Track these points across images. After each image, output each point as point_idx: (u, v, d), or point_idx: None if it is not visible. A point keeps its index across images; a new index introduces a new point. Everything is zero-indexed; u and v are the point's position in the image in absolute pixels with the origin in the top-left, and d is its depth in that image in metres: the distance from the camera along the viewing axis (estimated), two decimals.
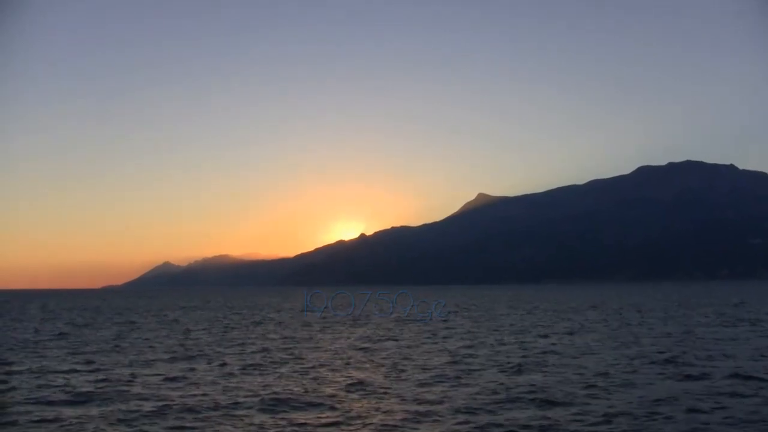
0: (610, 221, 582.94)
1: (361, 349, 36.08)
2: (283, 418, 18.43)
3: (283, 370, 27.92)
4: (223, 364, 29.83)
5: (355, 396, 21.50)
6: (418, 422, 17.72)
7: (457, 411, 18.91)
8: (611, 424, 17.19)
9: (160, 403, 20.47)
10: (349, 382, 24.17)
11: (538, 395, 20.95)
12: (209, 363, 30.56)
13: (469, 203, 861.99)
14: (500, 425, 17.18)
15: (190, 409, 19.55)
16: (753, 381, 23.47)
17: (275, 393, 22.07)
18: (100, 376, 26.40)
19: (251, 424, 17.78)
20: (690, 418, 17.83)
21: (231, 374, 26.75)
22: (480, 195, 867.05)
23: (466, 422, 17.62)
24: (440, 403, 20.17)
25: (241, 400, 21.03)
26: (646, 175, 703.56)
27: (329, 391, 22.46)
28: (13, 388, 23.78)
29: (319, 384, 23.98)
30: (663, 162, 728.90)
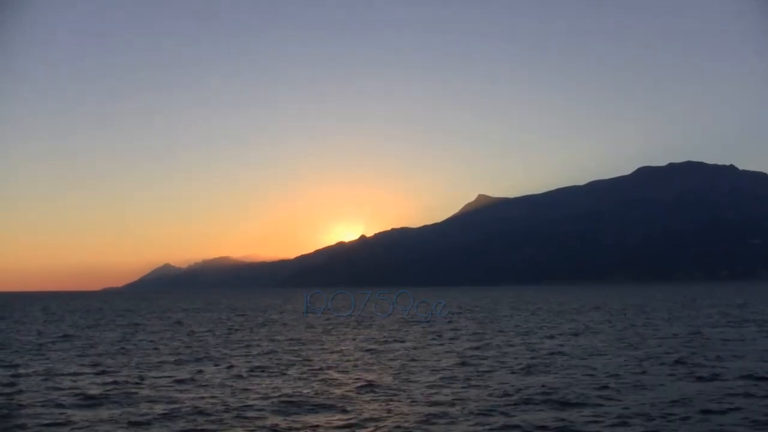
0: (610, 222, 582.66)
1: (367, 350, 35.94)
2: (296, 421, 18.30)
3: (292, 372, 27.79)
4: (231, 366, 29.71)
5: (366, 398, 21.38)
6: (433, 424, 17.59)
7: (471, 413, 18.79)
8: (628, 426, 17.07)
9: (171, 406, 20.35)
10: (359, 384, 24.04)
11: (552, 396, 20.85)
12: (216, 365, 30.44)
13: (469, 204, 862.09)
14: (517, 426, 17.07)
15: (202, 412, 19.43)
16: (766, 382, 23.34)
17: (286, 395, 21.95)
18: (108, 379, 26.27)
19: (265, 427, 17.65)
20: (705, 420, 17.71)
21: (239, 376, 26.62)
22: (480, 196, 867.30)
23: (482, 424, 17.50)
24: (452, 404, 20.04)
25: (252, 402, 20.91)
26: (646, 175, 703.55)
27: (340, 393, 22.33)
28: (21, 391, 23.66)
29: (329, 386, 23.84)
30: (663, 162, 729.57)
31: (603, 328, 49.86)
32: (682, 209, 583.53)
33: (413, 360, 31.07)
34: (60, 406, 20.99)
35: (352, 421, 18.11)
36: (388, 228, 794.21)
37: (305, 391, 22.82)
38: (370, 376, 25.89)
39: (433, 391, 22.48)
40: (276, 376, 26.70)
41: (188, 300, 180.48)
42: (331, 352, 35.20)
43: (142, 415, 19.27)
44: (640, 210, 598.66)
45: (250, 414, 19.22)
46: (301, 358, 32.61)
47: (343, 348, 37.51)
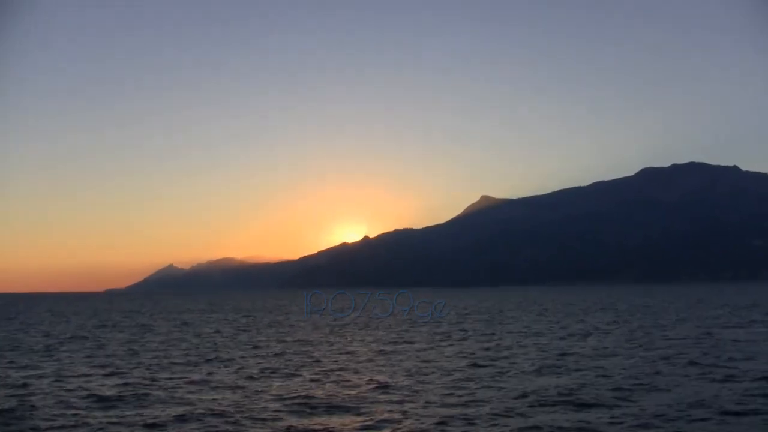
0: (613, 223, 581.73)
1: (377, 351, 35.81)
2: (313, 422, 18.18)
3: (304, 373, 27.68)
4: (242, 368, 29.61)
5: (381, 399, 21.24)
6: (451, 426, 17.46)
7: (489, 414, 18.65)
8: (650, 428, 16.92)
9: (185, 408, 20.24)
10: (373, 385, 23.91)
11: (569, 398, 20.70)
12: (227, 366, 30.34)
13: (472, 205, 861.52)
14: (537, 428, 16.93)
15: (217, 414, 19.32)
16: None
17: (300, 397, 21.84)
18: (119, 380, 26.20)
19: (281, 429, 17.54)
20: (725, 422, 17.56)
21: (251, 378, 26.52)
22: (483, 197, 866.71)
23: (501, 425, 17.36)
24: (469, 406, 19.91)
25: (266, 404, 20.80)
26: (649, 176, 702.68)
27: (354, 394, 22.21)
28: (33, 393, 23.59)
29: (342, 387, 23.72)
30: (666, 163, 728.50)
31: (612, 329, 49.68)
32: (684, 210, 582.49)
33: (425, 361, 30.95)
34: (73, 407, 20.91)
35: (368, 423, 17.99)
36: (391, 229, 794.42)
37: (319, 392, 22.70)
38: (383, 378, 25.76)
39: (447, 392, 22.35)
40: (288, 377, 26.59)
41: (193, 301, 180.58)
42: (341, 353, 35.08)
43: (157, 417, 19.17)
44: (643, 211, 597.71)
45: (265, 415, 19.11)
46: (311, 360, 32.50)
47: (353, 349, 37.39)
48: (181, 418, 18.81)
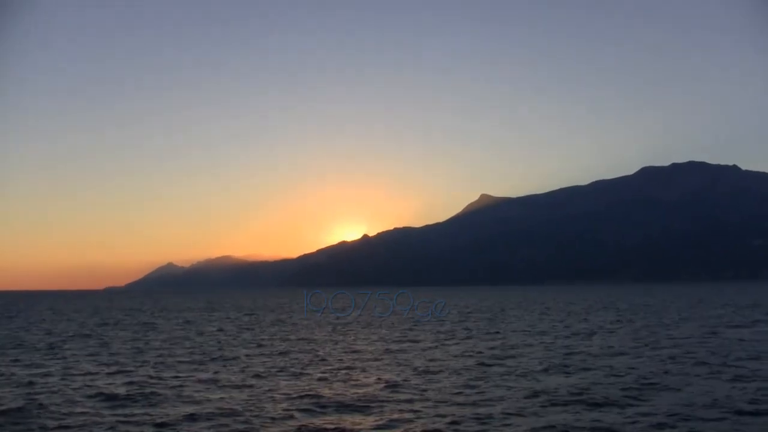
0: (613, 222, 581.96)
1: (383, 350, 35.67)
2: (325, 421, 18.03)
3: (311, 372, 27.54)
4: (248, 366, 29.47)
5: (391, 399, 21.10)
6: (465, 425, 17.32)
7: (502, 414, 18.51)
8: (663, 429, 16.78)
9: (195, 407, 20.10)
10: (382, 384, 23.77)
11: (581, 397, 20.58)
12: (233, 365, 30.20)
13: (471, 204, 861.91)
14: (552, 427, 16.80)
15: (227, 413, 19.17)
16: None
17: (310, 396, 21.70)
18: (126, 379, 26.07)
19: (293, 428, 17.39)
20: (741, 422, 17.42)
21: (259, 376, 26.38)
22: (483, 196, 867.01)
23: (515, 425, 17.22)
24: (480, 405, 19.78)
25: (276, 403, 20.66)
26: (649, 175, 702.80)
27: (363, 393, 22.07)
28: (40, 391, 23.43)
29: (351, 386, 23.58)
30: (666, 163, 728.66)
31: (616, 328, 49.56)
32: (684, 209, 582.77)
33: (432, 360, 30.81)
34: (82, 406, 20.77)
35: (380, 423, 17.84)
36: (391, 228, 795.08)
37: (327, 391, 22.56)
38: (392, 377, 25.63)
39: (457, 391, 22.22)
40: (296, 376, 26.45)
41: (193, 299, 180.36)
42: (347, 352, 34.94)
43: (167, 415, 19.02)
44: (643, 210, 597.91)
45: (275, 415, 18.97)
46: (317, 358, 32.36)
47: (358, 348, 37.26)
48: (191, 417, 18.66)
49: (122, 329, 56.80)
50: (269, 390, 23.03)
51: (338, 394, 21.92)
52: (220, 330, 54.14)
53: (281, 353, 34.99)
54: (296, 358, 32.46)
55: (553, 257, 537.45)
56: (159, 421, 18.40)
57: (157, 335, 48.97)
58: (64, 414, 19.56)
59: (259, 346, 39.49)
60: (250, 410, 19.51)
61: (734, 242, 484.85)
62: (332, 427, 17.47)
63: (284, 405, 20.29)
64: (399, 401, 20.64)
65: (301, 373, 27.10)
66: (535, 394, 21.26)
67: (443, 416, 18.35)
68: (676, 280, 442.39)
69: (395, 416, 18.50)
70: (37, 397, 22.31)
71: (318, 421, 18.09)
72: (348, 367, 28.73)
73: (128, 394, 22.39)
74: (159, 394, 22.36)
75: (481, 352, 33.76)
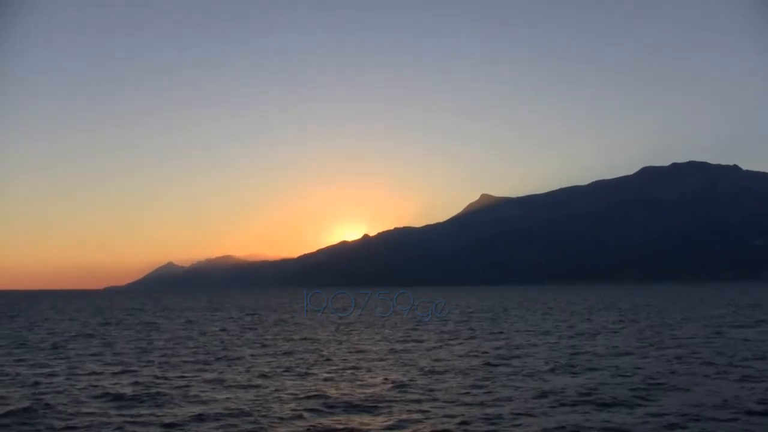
0: (613, 222, 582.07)
1: (388, 350, 35.58)
2: (334, 421, 17.96)
3: (316, 372, 27.46)
4: (253, 366, 29.39)
5: (399, 399, 21.02)
6: (475, 426, 17.24)
7: (511, 414, 18.44)
8: (674, 429, 16.71)
9: (202, 407, 20.03)
10: (389, 384, 23.70)
11: (589, 397, 20.50)
12: (238, 365, 30.11)
13: (472, 204, 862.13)
14: (562, 427, 16.72)
15: (235, 413, 19.09)
16: None
17: (317, 396, 21.62)
18: (132, 379, 25.97)
19: (302, 428, 17.32)
20: (752, 422, 17.34)
21: (264, 376, 26.30)
22: (483, 196, 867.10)
23: (525, 425, 17.14)
24: (489, 405, 19.70)
25: (284, 403, 20.58)
26: (649, 175, 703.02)
27: (371, 393, 21.99)
28: (45, 392, 23.35)
29: (358, 387, 23.50)
30: (666, 163, 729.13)
31: (619, 328, 49.49)
32: (684, 209, 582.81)
33: (437, 360, 30.74)
34: (88, 406, 20.69)
35: (389, 423, 17.76)
36: (391, 228, 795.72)
37: (334, 391, 22.49)
38: (398, 377, 25.55)
39: (465, 391, 22.15)
40: (301, 376, 26.37)
41: (194, 299, 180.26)
42: (351, 352, 34.86)
43: (174, 416, 18.94)
44: (644, 210, 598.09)
45: (283, 415, 18.89)
46: (322, 358, 32.28)
47: (363, 348, 37.18)
48: (199, 418, 18.58)
49: (125, 329, 56.72)
50: (276, 390, 22.96)
51: (345, 394, 21.84)
52: (223, 330, 54.07)
53: (286, 353, 34.90)
54: (301, 358, 32.39)
55: (553, 257, 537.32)
56: (167, 421, 18.32)
57: (160, 335, 48.89)
58: (71, 414, 19.48)
59: (263, 345, 39.41)
60: (258, 410, 19.43)
61: (735, 242, 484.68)
62: (341, 427, 17.40)
63: (292, 405, 20.21)
64: (407, 401, 20.57)
65: (306, 373, 27.02)
66: (543, 395, 21.19)
67: (452, 416, 18.27)
68: (677, 280, 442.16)
69: (404, 416, 18.42)
70: (43, 397, 22.23)
71: (326, 422, 18.02)
72: (353, 367, 28.66)
73: (134, 395, 22.30)
74: (165, 394, 22.28)
75: (486, 352, 33.69)
